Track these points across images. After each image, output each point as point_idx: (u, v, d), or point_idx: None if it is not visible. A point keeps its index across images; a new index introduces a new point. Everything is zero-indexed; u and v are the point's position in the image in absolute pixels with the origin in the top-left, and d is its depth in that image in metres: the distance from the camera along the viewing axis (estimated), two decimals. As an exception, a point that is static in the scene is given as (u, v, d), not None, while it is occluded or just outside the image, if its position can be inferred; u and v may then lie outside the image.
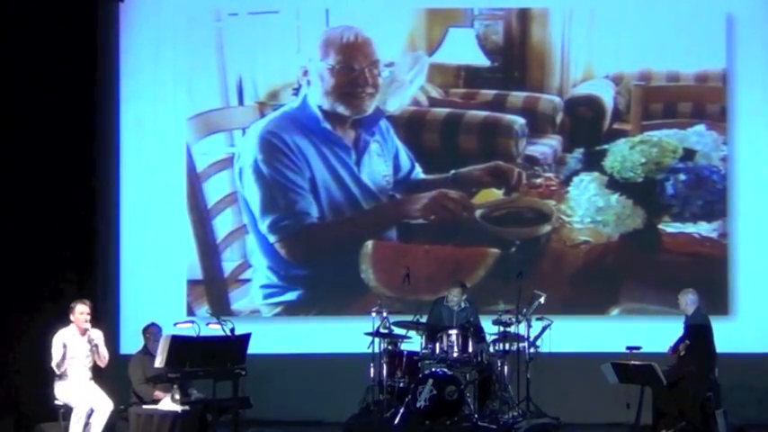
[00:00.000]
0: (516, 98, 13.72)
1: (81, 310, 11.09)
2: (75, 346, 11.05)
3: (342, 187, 13.75)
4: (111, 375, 12.14)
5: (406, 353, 12.47)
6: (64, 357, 10.94)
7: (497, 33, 13.67)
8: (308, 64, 13.82)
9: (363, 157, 13.76)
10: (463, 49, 13.73)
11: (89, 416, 10.93)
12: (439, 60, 13.76)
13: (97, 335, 11.12)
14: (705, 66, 13.51)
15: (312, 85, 13.81)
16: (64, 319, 11.19)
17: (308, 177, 13.75)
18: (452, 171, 13.70)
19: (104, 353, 11.16)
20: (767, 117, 13.49)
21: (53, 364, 10.97)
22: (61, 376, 10.99)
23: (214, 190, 13.89)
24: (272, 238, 13.76)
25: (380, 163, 13.78)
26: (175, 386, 11.20)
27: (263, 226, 13.78)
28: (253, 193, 13.83)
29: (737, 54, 13.44)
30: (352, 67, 13.75)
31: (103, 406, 10.99)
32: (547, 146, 13.66)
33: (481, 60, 13.72)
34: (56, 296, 11.36)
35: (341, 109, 13.81)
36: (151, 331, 11.72)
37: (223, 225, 13.89)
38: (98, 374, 11.36)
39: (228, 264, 13.85)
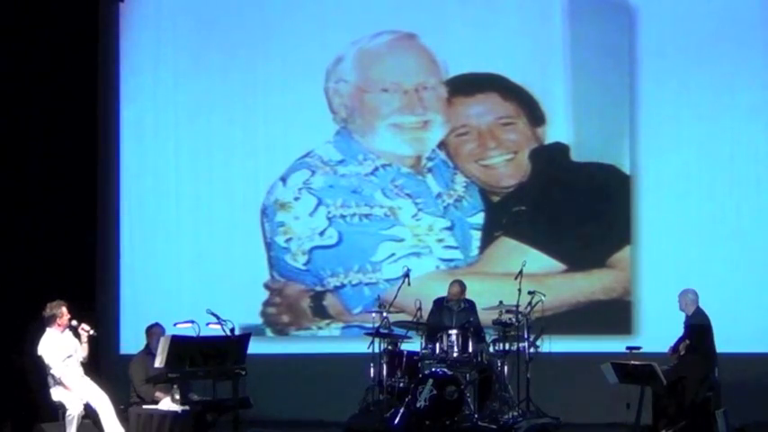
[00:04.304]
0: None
1: (65, 311, 11.08)
2: (65, 347, 11.05)
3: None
4: (111, 375, 12.18)
5: (406, 353, 12.47)
6: (64, 360, 10.95)
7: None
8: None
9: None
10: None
11: (83, 416, 10.93)
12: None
13: (87, 326, 11.13)
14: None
15: (312, 86, 13.92)
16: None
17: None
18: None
19: (87, 347, 11.21)
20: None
21: (56, 372, 10.94)
22: (62, 380, 10.98)
23: (214, 190, 13.98)
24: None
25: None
26: (175, 386, 11.21)
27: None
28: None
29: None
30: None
31: (102, 401, 10.96)
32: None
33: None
34: (56, 296, 11.34)
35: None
36: (155, 331, 11.69)
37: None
38: (98, 374, 11.38)
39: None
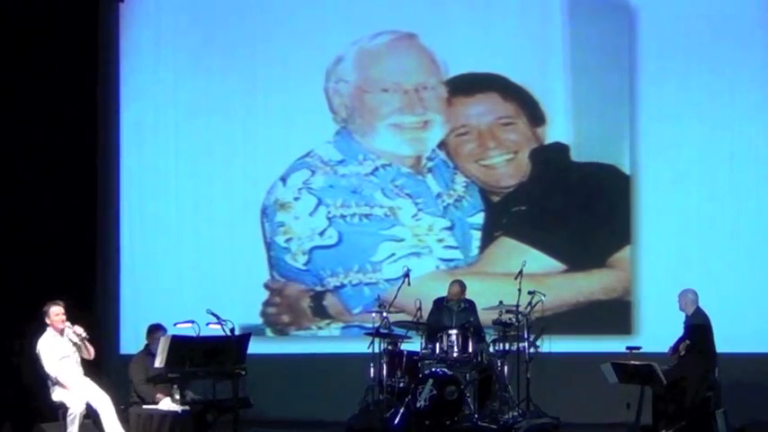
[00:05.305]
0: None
1: (56, 312, 10.95)
2: (61, 347, 11.00)
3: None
4: (111, 375, 12.18)
5: (406, 353, 12.47)
6: (59, 360, 10.92)
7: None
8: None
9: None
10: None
11: (83, 416, 10.91)
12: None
13: (80, 330, 11.06)
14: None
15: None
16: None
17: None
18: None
19: (90, 346, 11.12)
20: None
21: (50, 371, 10.91)
22: (58, 379, 10.95)
23: (215, 190, 13.98)
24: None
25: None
26: (175, 386, 11.21)
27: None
28: (254, 196, 13.97)
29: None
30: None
31: (103, 401, 10.93)
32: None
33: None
34: (56, 296, 11.34)
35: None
36: (156, 334, 11.61)
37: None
38: (98, 374, 11.37)
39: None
